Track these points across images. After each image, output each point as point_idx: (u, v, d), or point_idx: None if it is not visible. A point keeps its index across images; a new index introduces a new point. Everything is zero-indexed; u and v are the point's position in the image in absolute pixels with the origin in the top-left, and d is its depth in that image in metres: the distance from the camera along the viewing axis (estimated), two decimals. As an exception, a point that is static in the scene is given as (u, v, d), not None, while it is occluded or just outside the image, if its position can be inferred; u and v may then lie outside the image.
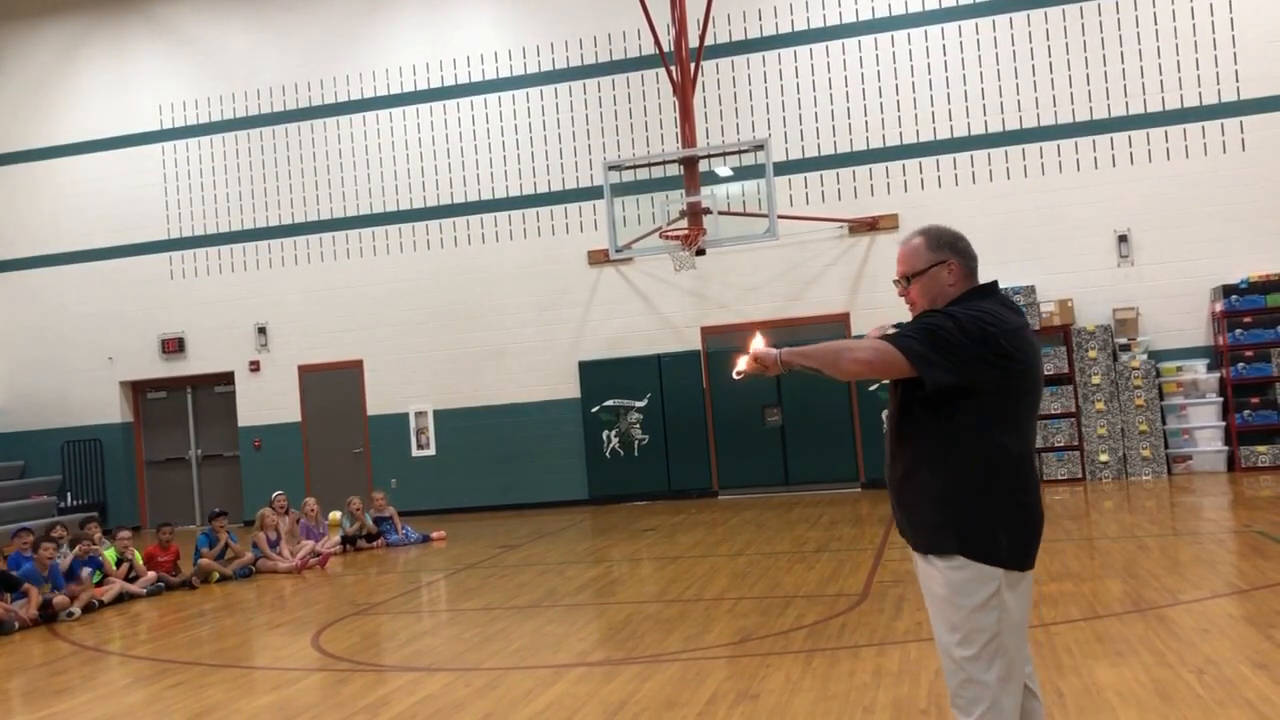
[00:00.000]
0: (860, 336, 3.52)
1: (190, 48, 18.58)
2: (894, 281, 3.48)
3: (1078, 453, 14.53)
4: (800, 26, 16.15)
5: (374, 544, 13.56)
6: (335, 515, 14.40)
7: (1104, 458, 14.40)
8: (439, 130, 17.52)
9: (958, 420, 3.18)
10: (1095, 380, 14.44)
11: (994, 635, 3.20)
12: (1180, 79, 14.80)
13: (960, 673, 3.23)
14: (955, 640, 3.23)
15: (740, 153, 14.15)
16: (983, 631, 3.20)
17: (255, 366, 18.12)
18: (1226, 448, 14.25)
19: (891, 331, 3.30)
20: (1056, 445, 14.59)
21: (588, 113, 16.90)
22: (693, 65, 13.84)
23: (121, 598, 10.65)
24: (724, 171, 15.00)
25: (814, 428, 15.47)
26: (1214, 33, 14.71)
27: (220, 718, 6.11)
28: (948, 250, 3.34)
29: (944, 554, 3.22)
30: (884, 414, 3.46)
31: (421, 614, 9.44)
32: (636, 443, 16.22)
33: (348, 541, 13.46)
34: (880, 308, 15.55)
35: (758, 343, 3.42)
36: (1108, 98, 15.06)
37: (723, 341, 16.15)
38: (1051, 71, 15.24)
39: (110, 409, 18.73)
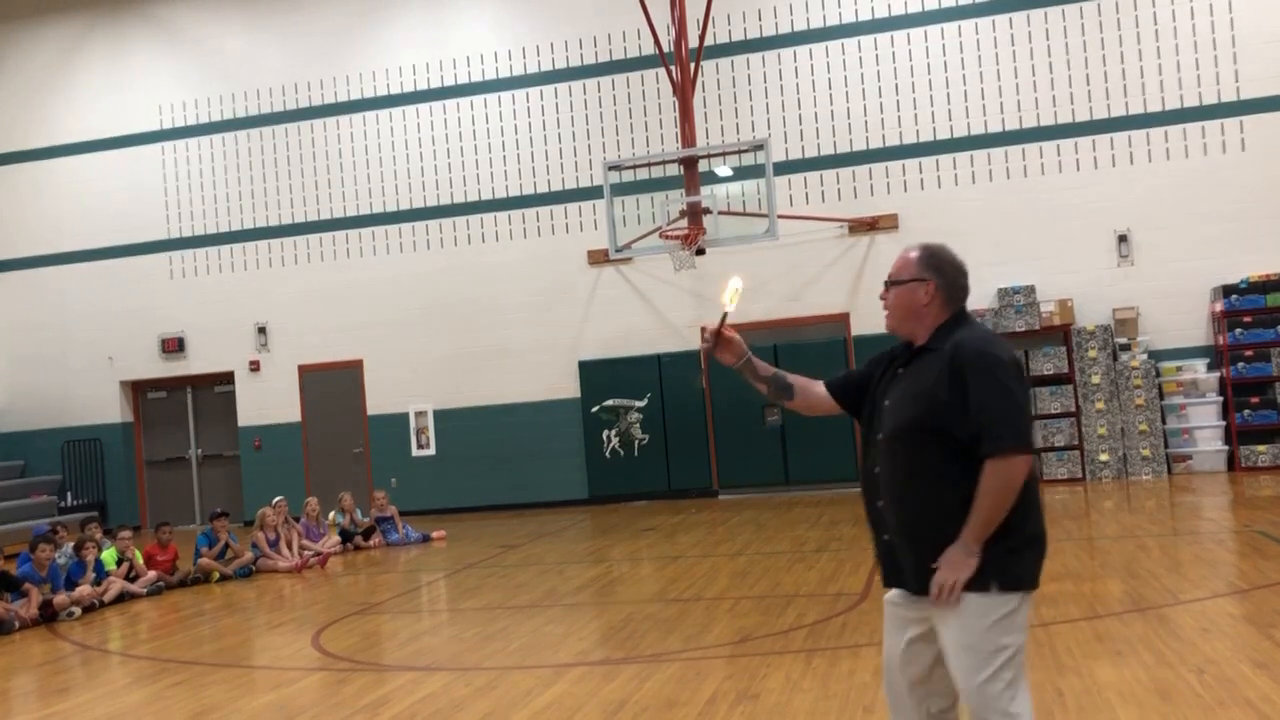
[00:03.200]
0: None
1: (190, 48, 18.58)
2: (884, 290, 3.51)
3: (1078, 452, 14.53)
4: (800, 26, 16.15)
5: (372, 543, 13.55)
6: (334, 515, 14.40)
7: (1104, 457, 14.40)
8: (439, 130, 17.52)
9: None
10: (1095, 380, 14.44)
11: (1013, 654, 3.24)
12: (1180, 79, 14.79)
13: (986, 707, 3.22)
14: (973, 663, 3.23)
15: (740, 153, 14.15)
16: (1003, 650, 3.22)
17: (255, 366, 18.12)
18: (1226, 447, 14.25)
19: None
20: (1056, 445, 14.59)
21: (588, 113, 16.89)
22: (693, 65, 13.84)
23: (121, 597, 10.65)
24: (724, 171, 14.99)
25: (814, 428, 15.46)
26: (1214, 33, 14.71)
27: (220, 718, 6.11)
28: (933, 272, 3.39)
29: (977, 590, 3.21)
30: (874, 463, 3.45)
31: (421, 614, 9.45)
32: (636, 443, 16.21)
33: (346, 537, 13.46)
34: (880, 308, 15.52)
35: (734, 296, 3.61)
36: (1108, 98, 15.06)
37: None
38: (1051, 71, 15.23)
39: (110, 409, 18.73)
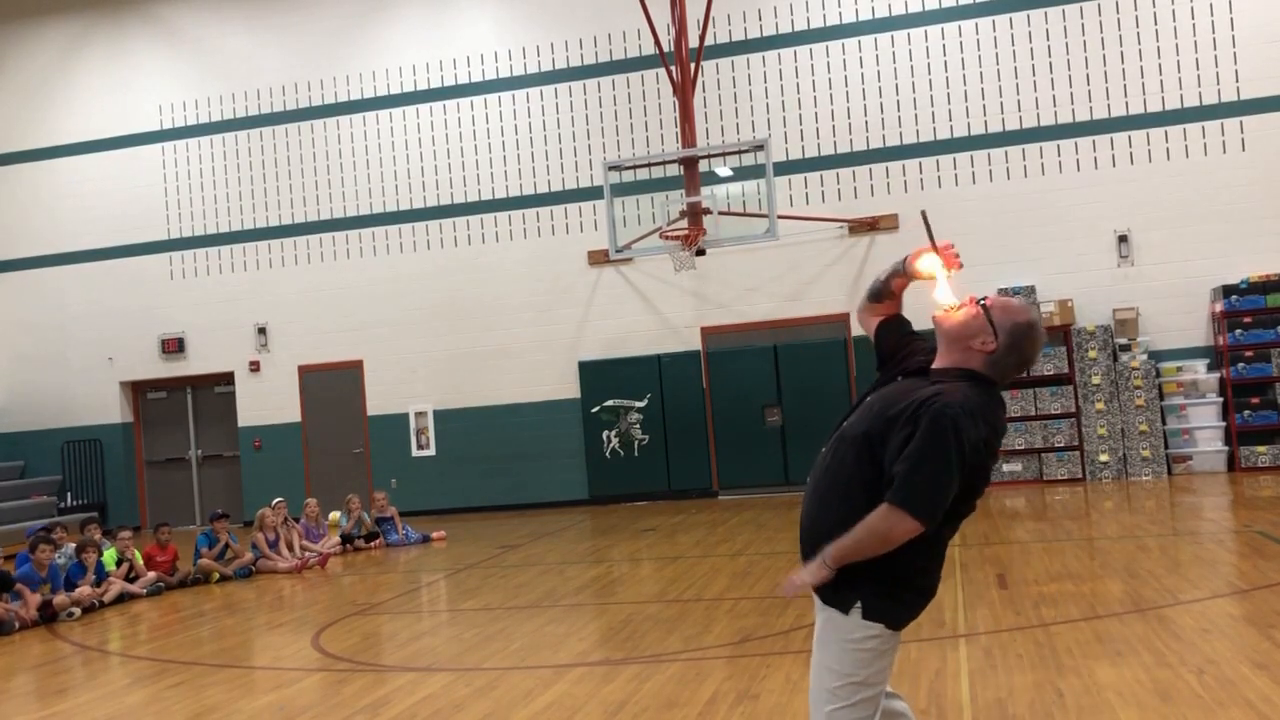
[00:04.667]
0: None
1: (190, 48, 18.58)
2: (977, 299, 3.39)
3: (1078, 453, 14.53)
4: (800, 26, 16.15)
5: (372, 544, 13.55)
6: (335, 515, 14.39)
7: (1104, 458, 14.40)
8: (439, 130, 17.52)
9: None
10: (1095, 380, 14.44)
11: (870, 694, 3.24)
12: (1180, 79, 14.79)
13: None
14: (826, 685, 3.25)
15: (740, 153, 14.14)
16: (858, 682, 3.23)
17: (255, 366, 18.11)
18: (1226, 448, 14.24)
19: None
20: (1057, 445, 14.59)
21: (588, 113, 16.89)
22: (693, 65, 13.84)
23: (121, 598, 10.65)
24: (724, 171, 15.00)
25: (814, 428, 15.45)
26: (1214, 33, 14.71)
27: (220, 718, 6.11)
28: (1006, 341, 3.29)
29: (842, 610, 3.23)
30: (823, 454, 3.45)
31: (421, 614, 9.45)
32: (636, 443, 16.22)
33: (346, 540, 13.45)
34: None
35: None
36: (1108, 98, 15.06)
37: (723, 341, 16.16)
38: (1051, 71, 15.23)
39: (110, 409, 18.72)
